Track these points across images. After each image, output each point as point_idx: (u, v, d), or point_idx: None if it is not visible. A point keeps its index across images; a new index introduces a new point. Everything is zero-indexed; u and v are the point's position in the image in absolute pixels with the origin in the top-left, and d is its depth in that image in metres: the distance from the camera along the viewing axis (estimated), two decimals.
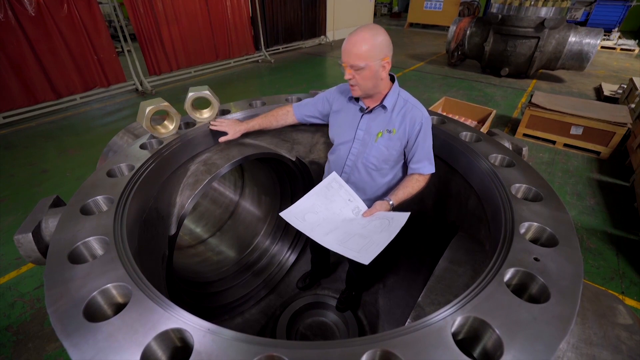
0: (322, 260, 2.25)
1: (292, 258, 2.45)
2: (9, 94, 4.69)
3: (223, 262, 2.38)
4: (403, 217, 1.30)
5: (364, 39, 1.21)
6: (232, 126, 1.61)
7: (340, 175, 1.58)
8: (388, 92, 1.40)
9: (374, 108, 1.43)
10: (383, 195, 1.58)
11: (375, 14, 15.16)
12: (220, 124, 1.61)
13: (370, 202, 1.52)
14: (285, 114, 1.69)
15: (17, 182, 3.56)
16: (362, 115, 1.46)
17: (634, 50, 9.55)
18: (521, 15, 6.17)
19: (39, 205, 1.13)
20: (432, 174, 1.52)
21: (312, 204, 1.48)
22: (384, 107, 1.40)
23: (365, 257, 1.14)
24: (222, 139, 1.62)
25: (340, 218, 1.44)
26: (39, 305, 2.23)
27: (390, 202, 1.43)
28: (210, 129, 1.63)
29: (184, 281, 2.04)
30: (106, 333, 0.68)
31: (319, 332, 2.07)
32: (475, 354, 0.75)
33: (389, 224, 1.30)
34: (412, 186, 1.47)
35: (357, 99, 1.46)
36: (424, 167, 1.45)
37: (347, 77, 1.29)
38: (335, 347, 0.68)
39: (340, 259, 2.46)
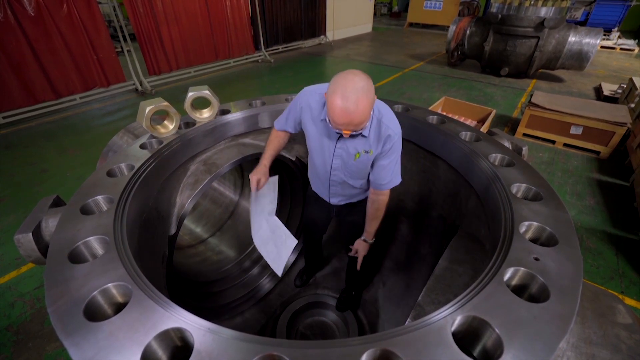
0: (315, 255, 2.28)
1: (292, 257, 2.45)
2: (8, 93, 4.69)
3: (223, 262, 2.39)
4: (292, 243, 1.52)
5: (362, 103, 1.08)
6: (261, 175, 1.58)
7: (329, 188, 1.59)
8: None
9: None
10: (360, 194, 1.62)
11: (375, 14, 15.14)
12: (257, 185, 1.59)
13: (347, 200, 1.65)
14: (279, 140, 1.61)
15: (17, 181, 3.56)
16: (338, 137, 1.37)
17: (633, 50, 9.54)
18: (521, 15, 6.17)
19: (39, 205, 1.13)
20: (434, 174, 1.52)
21: (253, 209, 1.64)
22: (362, 136, 1.32)
23: (278, 268, 1.50)
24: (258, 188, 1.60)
25: (265, 214, 1.60)
26: (39, 305, 2.23)
27: (370, 242, 1.63)
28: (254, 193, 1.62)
29: (184, 281, 2.04)
30: (107, 332, 0.68)
31: (319, 331, 2.07)
32: (475, 353, 0.75)
33: (283, 244, 1.54)
34: (379, 210, 1.50)
35: None
36: (390, 182, 1.42)
37: (346, 136, 1.22)
38: (335, 346, 0.68)
39: (334, 253, 2.47)
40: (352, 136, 1.31)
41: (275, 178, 1.68)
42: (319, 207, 1.78)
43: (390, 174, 1.40)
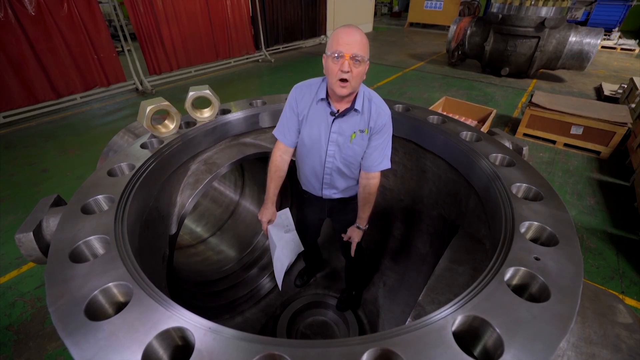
0: (314, 255, 2.28)
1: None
2: (9, 93, 4.69)
3: (223, 262, 2.39)
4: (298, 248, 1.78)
5: (362, 36, 1.23)
6: (270, 215, 1.61)
7: (322, 178, 1.57)
8: (357, 93, 1.37)
9: (345, 111, 1.37)
10: (352, 188, 1.63)
11: (375, 14, 15.13)
12: (266, 224, 1.63)
13: (340, 195, 1.65)
14: (282, 159, 1.54)
15: (17, 181, 3.56)
16: (334, 119, 1.39)
17: (634, 50, 9.54)
18: (521, 15, 6.17)
19: (40, 205, 1.13)
20: (434, 174, 1.52)
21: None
22: (356, 111, 1.37)
23: (279, 282, 1.73)
24: (269, 227, 1.66)
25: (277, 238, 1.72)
26: (39, 305, 2.23)
27: (363, 228, 1.62)
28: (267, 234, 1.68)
29: (185, 280, 2.05)
30: (107, 332, 0.68)
31: (320, 331, 2.07)
32: (476, 352, 0.75)
33: (292, 246, 1.75)
34: (371, 194, 1.53)
35: (328, 102, 1.39)
36: (381, 164, 1.46)
37: (345, 69, 1.20)
38: (335, 346, 0.68)
39: (334, 253, 2.47)
40: (345, 115, 1.37)
41: (287, 210, 1.72)
42: (312, 208, 1.77)
43: (381, 155, 1.45)
